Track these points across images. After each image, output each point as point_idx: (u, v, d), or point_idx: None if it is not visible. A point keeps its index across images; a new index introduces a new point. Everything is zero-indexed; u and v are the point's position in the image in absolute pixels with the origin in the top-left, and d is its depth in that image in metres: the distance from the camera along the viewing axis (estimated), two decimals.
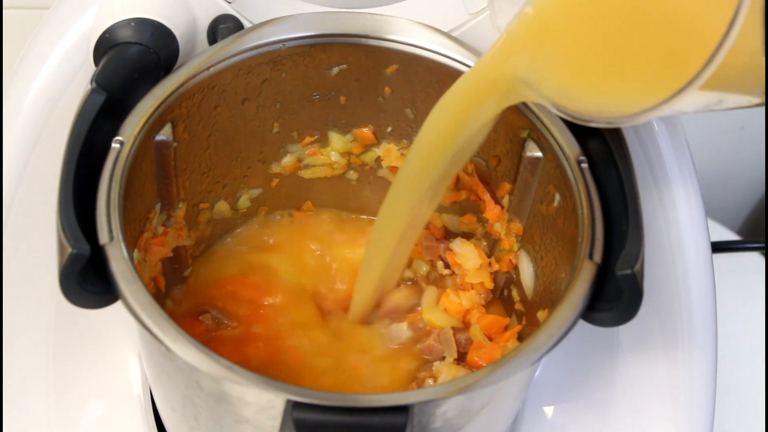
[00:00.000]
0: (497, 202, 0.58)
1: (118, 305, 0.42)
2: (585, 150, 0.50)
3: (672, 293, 0.56)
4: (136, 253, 0.50)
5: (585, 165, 0.49)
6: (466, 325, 0.58)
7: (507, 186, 0.56)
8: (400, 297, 0.58)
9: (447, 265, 0.61)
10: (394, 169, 0.61)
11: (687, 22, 0.38)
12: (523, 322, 0.57)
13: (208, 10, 0.54)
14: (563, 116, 0.45)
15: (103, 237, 0.43)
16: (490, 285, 0.59)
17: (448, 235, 0.62)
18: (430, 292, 0.59)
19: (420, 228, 0.54)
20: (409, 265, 0.60)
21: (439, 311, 0.58)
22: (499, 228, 0.58)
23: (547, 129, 0.51)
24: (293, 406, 0.39)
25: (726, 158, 1.03)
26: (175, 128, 0.51)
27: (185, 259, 0.58)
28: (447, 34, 0.54)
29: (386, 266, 0.54)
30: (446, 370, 0.54)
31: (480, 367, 0.54)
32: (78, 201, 0.43)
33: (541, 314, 0.53)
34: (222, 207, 0.60)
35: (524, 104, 0.52)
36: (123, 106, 0.48)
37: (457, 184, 0.60)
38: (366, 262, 0.55)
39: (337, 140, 0.60)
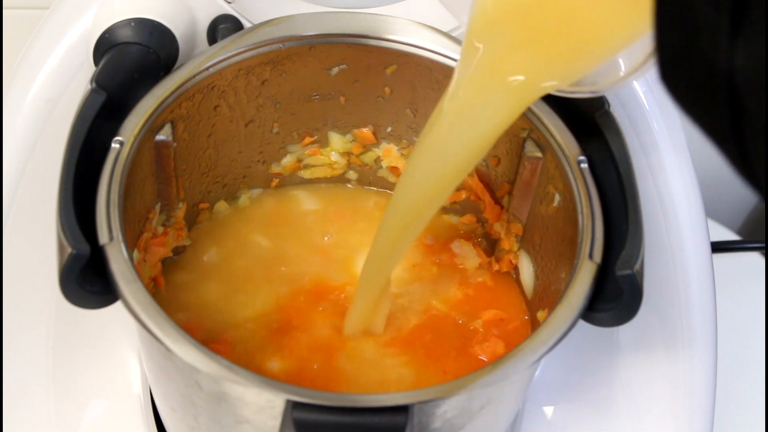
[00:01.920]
0: (497, 202, 0.58)
1: (118, 305, 0.42)
2: (585, 150, 0.50)
3: (672, 293, 0.56)
4: (135, 253, 0.50)
5: (585, 165, 0.49)
6: (469, 318, 0.57)
7: (507, 186, 0.56)
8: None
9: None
10: (393, 170, 0.61)
11: None
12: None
13: (208, 10, 0.54)
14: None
15: (103, 237, 0.43)
16: (490, 284, 0.59)
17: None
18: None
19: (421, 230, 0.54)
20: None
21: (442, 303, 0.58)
22: (499, 228, 0.58)
23: (547, 129, 0.51)
24: (293, 406, 0.39)
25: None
26: (175, 128, 0.51)
27: None
28: (447, 34, 0.54)
29: (388, 274, 0.53)
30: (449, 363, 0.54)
31: (481, 361, 0.54)
32: (78, 201, 0.43)
33: (541, 314, 0.53)
34: (222, 207, 0.60)
35: None
36: (123, 106, 0.48)
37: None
38: (367, 274, 0.53)
39: (337, 140, 0.60)
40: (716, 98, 0.29)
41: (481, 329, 0.56)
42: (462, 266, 0.59)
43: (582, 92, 0.45)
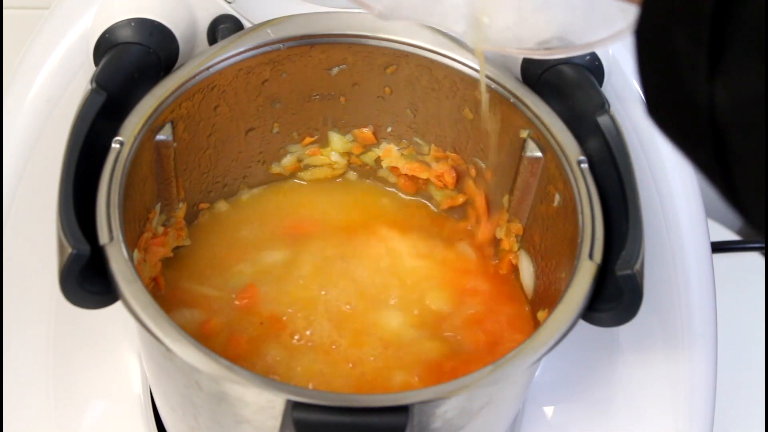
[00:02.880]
0: (489, 218, 0.58)
1: (118, 305, 0.42)
2: (585, 150, 0.50)
3: (672, 293, 0.56)
4: (136, 253, 0.50)
5: (585, 165, 0.49)
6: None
7: (505, 216, 0.57)
8: None
9: None
10: (393, 170, 0.61)
11: None
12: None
13: (208, 10, 0.54)
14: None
15: (103, 237, 0.43)
16: (491, 280, 0.59)
17: None
18: None
19: None
20: None
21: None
22: (499, 228, 0.58)
23: (547, 129, 0.51)
24: (293, 406, 0.39)
25: None
26: (175, 128, 0.51)
27: None
28: (447, 34, 0.54)
29: None
30: None
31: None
32: (78, 201, 0.43)
33: (541, 314, 0.53)
34: (222, 207, 0.60)
35: (524, 104, 0.52)
36: (123, 106, 0.48)
37: (458, 186, 0.60)
38: None
39: (337, 140, 0.60)
40: (700, 132, 0.29)
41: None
42: (461, 264, 0.59)
43: (560, 53, 0.45)
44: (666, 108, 0.31)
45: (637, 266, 0.43)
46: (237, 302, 0.55)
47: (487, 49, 0.47)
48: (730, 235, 0.90)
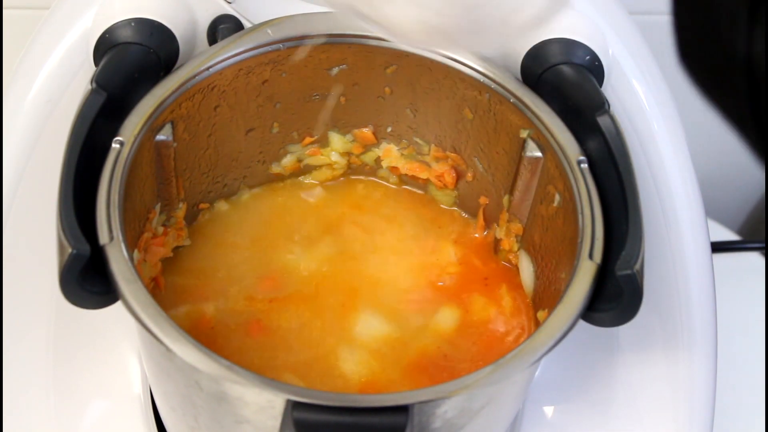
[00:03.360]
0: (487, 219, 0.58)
1: (118, 305, 0.42)
2: (585, 150, 0.50)
3: (672, 293, 0.56)
4: (136, 254, 0.50)
5: (585, 165, 0.49)
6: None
7: (505, 216, 0.57)
8: None
9: None
10: (393, 170, 0.61)
11: None
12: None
13: (208, 10, 0.54)
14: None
15: (103, 237, 0.43)
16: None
17: None
18: None
19: None
20: None
21: None
22: (499, 228, 0.58)
23: (547, 129, 0.51)
24: (293, 406, 0.39)
25: (726, 158, 1.03)
26: (175, 128, 0.51)
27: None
28: None
29: None
30: None
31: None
32: (78, 201, 0.43)
33: (541, 314, 0.53)
34: (222, 207, 0.60)
35: (524, 104, 0.52)
36: (123, 106, 0.48)
37: (458, 186, 0.60)
38: None
39: (337, 140, 0.60)
40: (735, 81, 0.29)
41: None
42: (462, 263, 0.59)
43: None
44: (701, 56, 0.31)
45: (637, 266, 0.43)
46: (237, 301, 0.55)
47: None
48: (730, 235, 0.90)
